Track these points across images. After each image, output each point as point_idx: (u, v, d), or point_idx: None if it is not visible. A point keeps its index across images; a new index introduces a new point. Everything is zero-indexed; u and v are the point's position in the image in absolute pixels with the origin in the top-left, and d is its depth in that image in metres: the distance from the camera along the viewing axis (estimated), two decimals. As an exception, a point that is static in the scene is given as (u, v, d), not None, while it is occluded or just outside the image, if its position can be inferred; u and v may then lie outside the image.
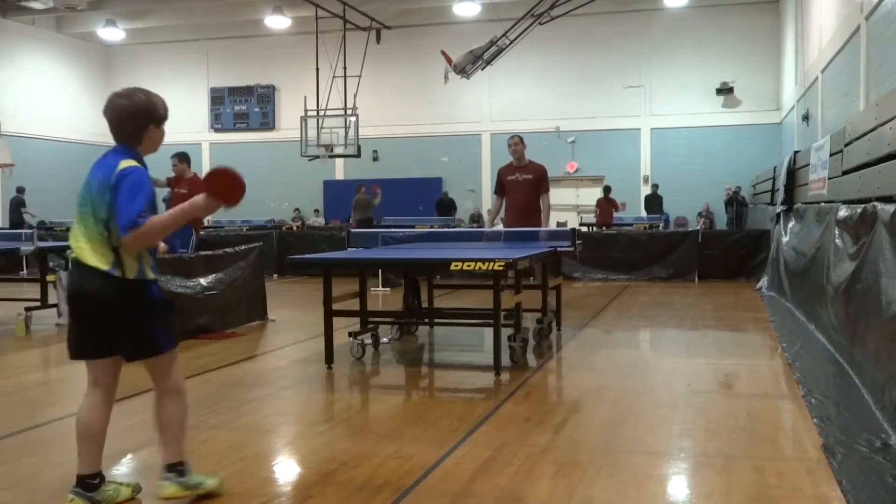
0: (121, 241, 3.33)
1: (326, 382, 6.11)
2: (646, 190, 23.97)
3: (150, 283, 3.47)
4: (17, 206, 21.41)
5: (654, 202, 22.59)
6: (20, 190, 21.67)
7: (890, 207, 4.98)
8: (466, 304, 9.64)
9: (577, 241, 8.36)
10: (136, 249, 3.39)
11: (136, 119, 3.46)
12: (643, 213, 22.94)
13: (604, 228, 18.14)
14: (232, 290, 8.73)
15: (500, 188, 9.15)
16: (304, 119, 23.08)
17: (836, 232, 6.83)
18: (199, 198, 3.41)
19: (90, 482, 3.50)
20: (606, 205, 19.75)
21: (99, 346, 3.47)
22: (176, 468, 3.54)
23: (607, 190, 20.46)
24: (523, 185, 8.96)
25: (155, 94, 3.56)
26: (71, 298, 3.51)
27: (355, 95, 22.94)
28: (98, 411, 3.52)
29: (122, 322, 3.41)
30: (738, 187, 21.89)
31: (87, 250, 3.40)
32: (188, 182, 10.17)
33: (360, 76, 23.17)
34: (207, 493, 3.58)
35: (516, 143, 9.11)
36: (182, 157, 10.32)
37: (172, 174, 10.41)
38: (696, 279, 13.80)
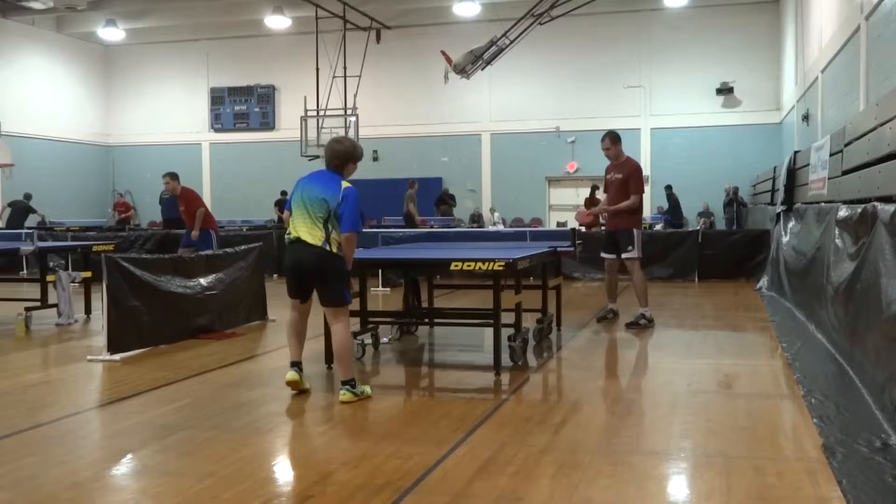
0: (341, 237, 5.31)
1: (326, 382, 6.10)
2: (646, 190, 23.91)
3: (341, 256, 5.35)
4: (23, 212, 19.79)
5: (672, 204, 21.95)
6: (27, 196, 20.54)
7: (890, 207, 4.98)
8: (466, 304, 9.64)
9: (577, 241, 8.36)
10: (349, 245, 5.34)
11: (343, 157, 5.48)
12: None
13: (587, 229, 16.17)
14: (232, 290, 8.73)
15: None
16: (304, 119, 23.07)
17: (836, 232, 6.82)
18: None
19: (296, 363, 5.56)
20: (592, 205, 18.99)
21: (304, 293, 5.55)
22: (349, 383, 5.35)
23: (595, 189, 20.04)
24: (618, 184, 9.31)
25: (356, 142, 5.77)
26: (293, 264, 5.40)
27: (355, 95, 22.93)
28: (301, 322, 5.63)
29: (326, 280, 5.36)
30: (737, 187, 21.85)
31: (307, 234, 5.28)
32: (181, 198, 10.83)
33: (360, 76, 23.15)
34: (367, 397, 5.39)
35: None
36: (173, 176, 10.93)
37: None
38: (696, 279, 13.80)
